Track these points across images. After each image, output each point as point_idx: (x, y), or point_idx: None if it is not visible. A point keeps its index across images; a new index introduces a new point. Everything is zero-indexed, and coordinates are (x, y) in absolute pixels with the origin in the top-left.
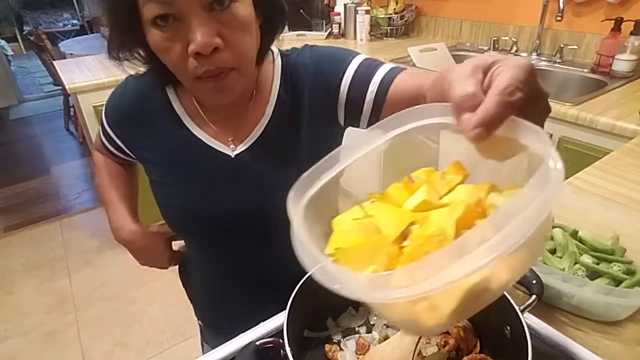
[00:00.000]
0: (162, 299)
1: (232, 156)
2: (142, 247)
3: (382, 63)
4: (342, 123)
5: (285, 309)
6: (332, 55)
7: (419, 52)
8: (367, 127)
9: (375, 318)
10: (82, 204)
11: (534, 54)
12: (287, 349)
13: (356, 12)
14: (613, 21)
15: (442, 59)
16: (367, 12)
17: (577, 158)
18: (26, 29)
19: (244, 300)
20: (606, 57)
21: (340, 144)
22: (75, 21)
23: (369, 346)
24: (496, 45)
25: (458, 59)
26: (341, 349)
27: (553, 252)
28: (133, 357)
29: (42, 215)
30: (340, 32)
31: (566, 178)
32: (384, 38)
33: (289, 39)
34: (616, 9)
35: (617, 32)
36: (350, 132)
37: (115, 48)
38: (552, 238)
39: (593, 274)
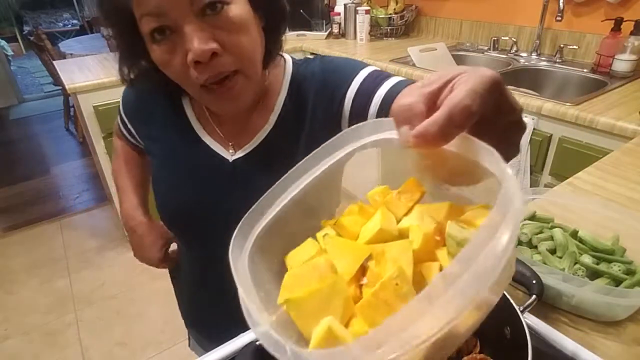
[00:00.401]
0: (162, 299)
1: (230, 161)
2: (141, 237)
3: (390, 76)
4: None
5: None
6: (340, 67)
7: (419, 52)
8: None
9: None
10: (82, 204)
11: (534, 54)
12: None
13: (356, 12)
14: (613, 21)
15: (442, 59)
16: (367, 12)
17: (577, 158)
18: (26, 29)
19: (237, 305)
20: (606, 57)
21: None
22: (75, 21)
23: None
24: (496, 45)
25: (458, 59)
26: None
27: (553, 252)
28: (133, 357)
29: (42, 215)
30: (340, 32)
31: (566, 178)
32: (384, 38)
33: (289, 39)
34: (616, 9)
35: (617, 32)
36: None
37: (126, 69)
38: (552, 238)
39: (593, 274)
